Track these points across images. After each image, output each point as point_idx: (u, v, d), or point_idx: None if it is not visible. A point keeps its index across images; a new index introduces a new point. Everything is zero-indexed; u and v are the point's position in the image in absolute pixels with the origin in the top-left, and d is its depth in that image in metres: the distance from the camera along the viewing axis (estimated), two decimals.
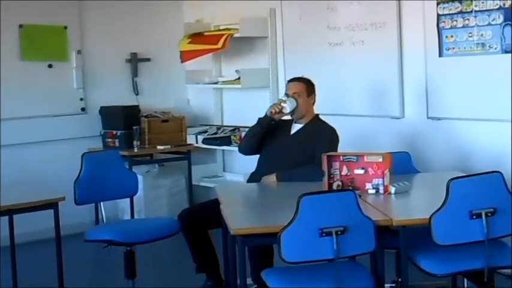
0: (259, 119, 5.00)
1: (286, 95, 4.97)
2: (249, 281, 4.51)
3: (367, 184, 4.23)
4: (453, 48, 5.42)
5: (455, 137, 5.52)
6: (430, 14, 5.51)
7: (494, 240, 3.59)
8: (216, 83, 7.40)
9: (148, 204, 7.11)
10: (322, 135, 4.86)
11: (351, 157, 4.29)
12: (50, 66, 6.97)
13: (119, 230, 4.69)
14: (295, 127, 5.00)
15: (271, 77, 6.91)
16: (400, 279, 4.34)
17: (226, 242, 4.35)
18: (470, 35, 5.29)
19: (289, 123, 5.06)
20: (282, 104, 4.86)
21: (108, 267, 5.85)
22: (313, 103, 5.01)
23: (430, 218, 3.52)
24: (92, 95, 7.22)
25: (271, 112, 4.90)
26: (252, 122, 6.95)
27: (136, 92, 7.48)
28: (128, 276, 4.63)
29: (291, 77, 5.18)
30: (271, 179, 4.77)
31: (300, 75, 5.12)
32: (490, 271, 3.62)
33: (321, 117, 5.04)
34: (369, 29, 5.98)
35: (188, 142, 7.29)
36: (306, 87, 4.97)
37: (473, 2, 5.24)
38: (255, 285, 4.73)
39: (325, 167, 4.28)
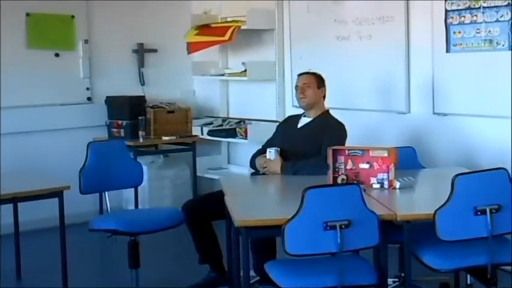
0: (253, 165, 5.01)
1: (296, 87, 5.00)
2: (251, 273, 4.51)
3: (372, 178, 4.22)
4: (460, 44, 5.40)
5: (461, 133, 5.51)
6: (438, 9, 5.49)
7: (498, 237, 3.59)
8: (223, 74, 7.40)
9: (153, 195, 7.12)
10: (330, 130, 4.86)
11: (356, 151, 4.28)
12: (56, 55, 6.98)
13: (123, 220, 4.70)
14: (304, 121, 5.00)
15: (277, 69, 6.91)
16: (403, 274, 4.35)
17: (230, 234, 4.36)
18: (478, 31, 5.28)
19: (298, 117, 5.07)
20: (267, 155, 4.84)
21: (112, 257, 5.87)
22: (324, 97, 5.02)
23: (435, 213, 3.52)
24: (98, 85, 7.22)
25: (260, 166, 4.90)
26: (257, 115, 7.04)
27: (143, 83, 7.48)
28: (132, 266, 4.64)
29: (299, 71, 5.19)
30: (276, 165, 4.77)
31: (307, 70, 5.13)
32: (494, 267, 3.62)
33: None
34: (377, 24, 5.97)
35: (193, 133, 7.29)
36: (316, 79, 5.00)
37: None
38: (258, 277, 4.74)
39: (330, 161, 4.28)
